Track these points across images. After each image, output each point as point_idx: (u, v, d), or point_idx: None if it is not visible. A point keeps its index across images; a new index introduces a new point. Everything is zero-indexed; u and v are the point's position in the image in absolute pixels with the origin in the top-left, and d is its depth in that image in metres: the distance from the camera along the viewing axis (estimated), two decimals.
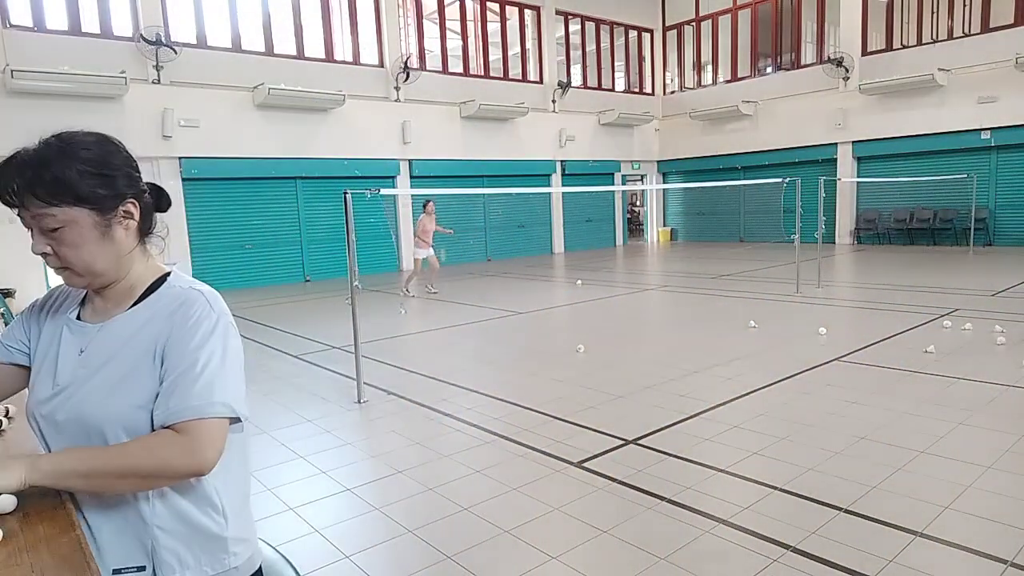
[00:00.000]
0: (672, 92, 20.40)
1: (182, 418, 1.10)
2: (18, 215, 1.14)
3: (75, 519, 1.10)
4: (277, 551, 1.90)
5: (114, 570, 1.15)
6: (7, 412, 1.64)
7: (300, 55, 13.51)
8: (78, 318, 1.26)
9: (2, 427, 1.61)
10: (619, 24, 19.32)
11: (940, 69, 14.25)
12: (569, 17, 18.12)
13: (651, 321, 8.35)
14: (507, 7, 16.87)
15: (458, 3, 16.13)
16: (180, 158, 11.90)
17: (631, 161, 19.77)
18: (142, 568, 1.16)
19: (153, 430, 1.13)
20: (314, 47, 13.75)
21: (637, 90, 20.23)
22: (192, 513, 1.18)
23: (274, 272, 13.37)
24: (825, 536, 2.76)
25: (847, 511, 2.97)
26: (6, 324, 4.73)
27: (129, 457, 1.09)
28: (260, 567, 1.32)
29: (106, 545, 1.15)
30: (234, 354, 1.19)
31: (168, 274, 1.27)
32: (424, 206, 10.73)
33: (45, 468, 1.07)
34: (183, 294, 1.21)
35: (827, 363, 5.55)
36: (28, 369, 1.30)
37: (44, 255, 1.15)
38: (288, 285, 13.08)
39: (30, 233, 1.16)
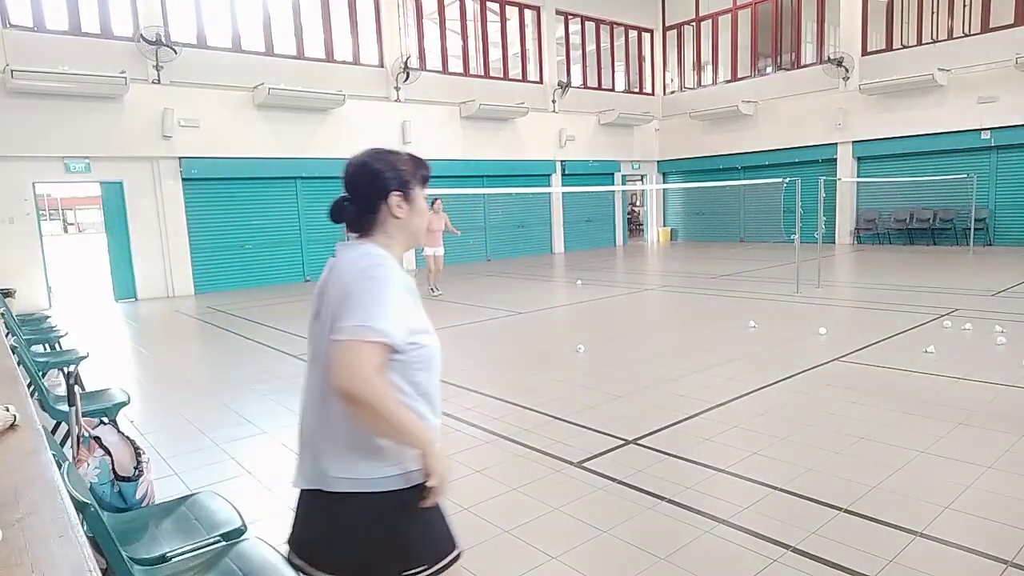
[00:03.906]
0: (672, 92, 20.40)
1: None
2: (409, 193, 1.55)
3: (75, 519, 1.10)
4: (277, 551, 1.90)
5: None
6: (15, 420, 1.63)
7: (300, 55, 13.52)
8: None
9: (16, 422, 1.61)
10: (619, 24, 19.31)
11: (940, 69, 14.24)
12: (569, 17, 18.12)
13: (651, 321, 8.35)
14: (507, 7, 16.87)
15: (458, 3, 16.13)
16: (180, 158, 11.90)
17: (631, 161, 19.77)
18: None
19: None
20: (314, 47, 13.75)
21: (637, 90, 20.22)
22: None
23: (274, 272, 13.37)
24: (825, 536, 2.76)
25: (847, 511, 2.97)
26: (6, 324, 4.72)
27: None
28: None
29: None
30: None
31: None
32: (432, 203, 10.49)
33: None
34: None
35: (827, 363, 5.55)
36: None
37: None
38: (288, 285, 13.08)
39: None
